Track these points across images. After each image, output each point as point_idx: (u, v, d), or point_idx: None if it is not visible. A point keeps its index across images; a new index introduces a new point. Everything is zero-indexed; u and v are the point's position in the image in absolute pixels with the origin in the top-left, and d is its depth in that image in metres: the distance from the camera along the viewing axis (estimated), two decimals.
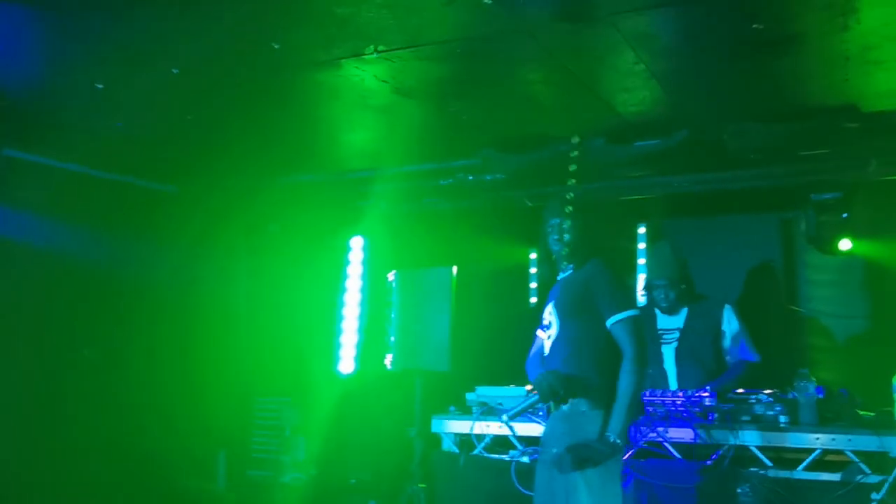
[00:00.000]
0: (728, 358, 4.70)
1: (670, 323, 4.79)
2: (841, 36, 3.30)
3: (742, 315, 4.74)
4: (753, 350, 4.66)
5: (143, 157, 5.30)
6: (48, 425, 5.01)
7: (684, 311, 4.77)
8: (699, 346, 4.69)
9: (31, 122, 4.60)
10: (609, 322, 3.24)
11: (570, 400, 3.29)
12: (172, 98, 4.21)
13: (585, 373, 3.28)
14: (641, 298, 5.13)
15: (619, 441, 3.16)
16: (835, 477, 3.84)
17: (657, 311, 4.83)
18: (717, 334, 4.69)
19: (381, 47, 3.43)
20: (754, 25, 3.23)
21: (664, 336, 4.78)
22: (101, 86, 3.99)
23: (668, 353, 4.76)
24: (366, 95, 4.09)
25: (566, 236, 3.38)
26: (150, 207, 5.75)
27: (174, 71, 3.75)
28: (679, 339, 4.74)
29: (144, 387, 5.43)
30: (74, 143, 4.93)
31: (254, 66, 3.75)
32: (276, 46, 3.44)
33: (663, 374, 4.74)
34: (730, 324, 4.69)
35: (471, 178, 5.37)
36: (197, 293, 5.96)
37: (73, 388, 5.18)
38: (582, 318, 3.33)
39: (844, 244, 5.17)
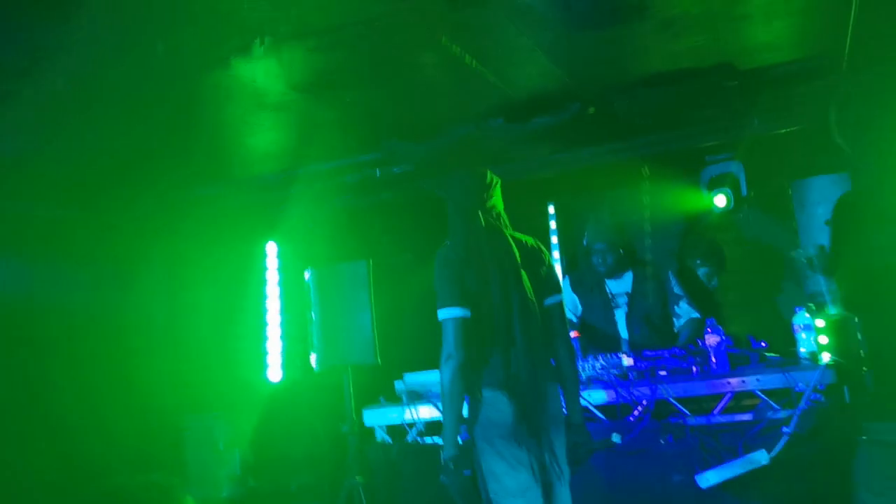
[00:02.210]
0: (676, 319, 4.84)
1: (618, 287, 4.90)
2: None
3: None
4: (694, 307, 4.82)
5: (43, 181, 5.13)
6: None
7: (629, 276, 4.89)
8: (651, 309, 4.82)
9: None
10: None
11: None
12: (63, 115, 4.11)
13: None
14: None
15: (450, 465, 2.81)
16: (748, 417, 4.03)
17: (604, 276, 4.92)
18: (667, 297, 4.84)
19: (266, 40, 3.43)
20: None
21: (616, 299, 4.90)
22: None
23: (620, 317, 4.88)
24: (260, 94, 4.08)
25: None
26: (57, 231, 5.59)
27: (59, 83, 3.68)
28: (629, 304, 4.86)
29: (62, 419, 5.26)
30: None
31: (143, 71, 3.69)
32: (161, 48, 3.42)
33: (617, 337, 4.86)
34: (675, 286, 4.84)
35: (378, 172, 5.40)
36: (114, 316, 5.81)
37: None
38: None
39: (722, 200, 5.36)
